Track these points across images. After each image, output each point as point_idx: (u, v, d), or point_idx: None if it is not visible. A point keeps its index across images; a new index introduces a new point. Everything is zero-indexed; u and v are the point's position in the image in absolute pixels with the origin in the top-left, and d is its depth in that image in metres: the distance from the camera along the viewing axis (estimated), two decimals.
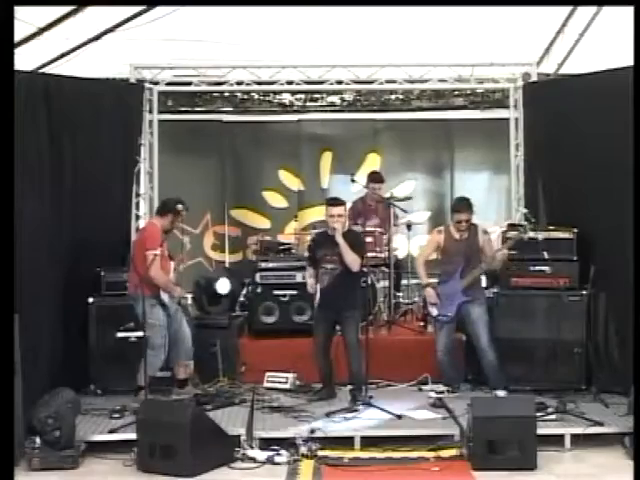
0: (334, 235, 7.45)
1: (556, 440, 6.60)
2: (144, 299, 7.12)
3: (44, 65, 8.75)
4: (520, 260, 7.88)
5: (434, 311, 7.79)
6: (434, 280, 7.87)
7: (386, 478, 6.11)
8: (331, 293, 7.48)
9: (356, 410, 7.18)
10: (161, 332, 7.36)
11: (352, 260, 7.40)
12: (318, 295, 7.68)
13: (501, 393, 7.33)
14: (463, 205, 7.77)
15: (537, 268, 7.78)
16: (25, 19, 7.65)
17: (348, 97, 11.13)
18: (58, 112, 7.83)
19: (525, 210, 8.17)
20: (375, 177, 9.76)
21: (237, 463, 6.36)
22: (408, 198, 9.83)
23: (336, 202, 7.64)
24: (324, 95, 11.05)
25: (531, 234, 7.56)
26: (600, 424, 6.70)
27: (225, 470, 6.26)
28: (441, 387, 7.68)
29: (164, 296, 7.38)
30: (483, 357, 7.63)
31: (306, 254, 8.07)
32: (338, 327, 7.63)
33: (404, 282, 9.82)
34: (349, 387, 7.57)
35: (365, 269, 7.95)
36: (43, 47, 8.47)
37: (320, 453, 6.45)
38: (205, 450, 6.18)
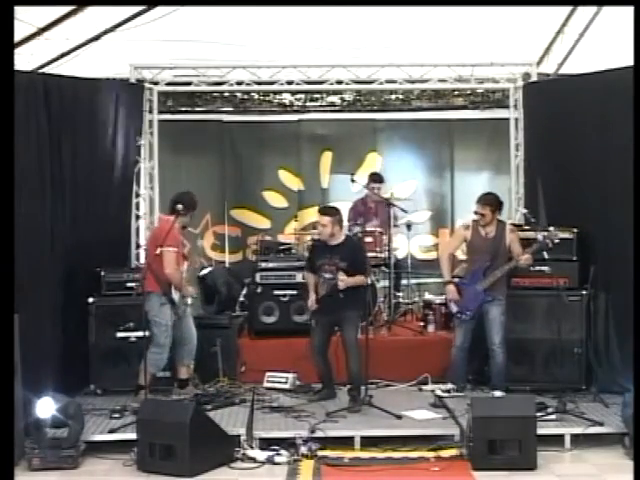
0: (331, 244, 7.47)
1: (556, 440, 6.60)
2: (149, 296, 7.17)
3: (44, 65, 8.75)
4: None
5: (454, 308, 7.75)
6: (455, 279, 7.84)
7: (386, 478, 6.11)
8: (329, 300, 7.46)
9: (357, 411, 7.18)
10: (167, 332, 7.35)
11: (363, 283, 7.42)
12: (312, 297, 7.64)
13: (498, 393, 7.32)
14: (480, 197, 7.74)
15: (537, 268, 7.76)
16: (25, 19, 7.65)
17: (348, 97, 11.14)
18: (58, 112, 7.83)
19: (525, 210, 8.16)
20: (375, 177, 9.78)
21: (237, 463, 6.37)
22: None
23: (324, 212, 7.62)
24: (324, 95, 11.06)
25: (552, 237, 7.42)
26: (600, 424, 6.70)
27: (225, 470, 6.26)
28: (448, 385, 7.67)
29: (175, 295, 7.37)
30: (493, 357, 7.62)
31: (305, 258, 8.09)
32: (337, 327, 7.61)
33: (404, 282, 9.82)
34: (347, 387, 7.55)
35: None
36: (43, 47, 8.47)
37: (320, 453, 6.45)
38: (205, 450, 6.18)
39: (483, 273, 7.61)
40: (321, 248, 7.64)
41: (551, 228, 7.55)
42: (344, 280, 7.35)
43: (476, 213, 7.69)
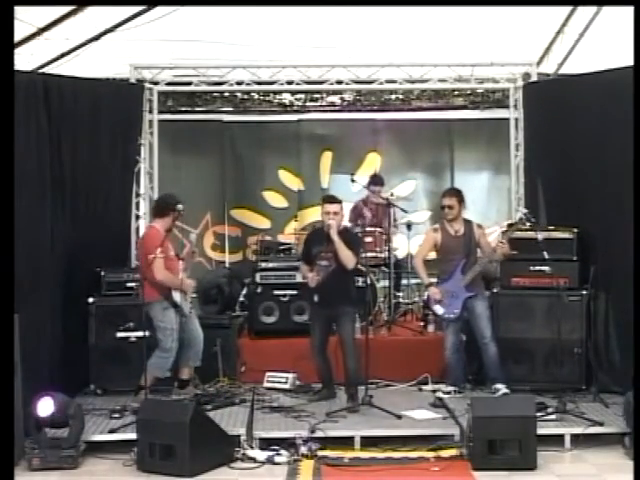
0: (329, 232, 7.43)
1: (556, 440, 6.60)
2: (151, 305, 7.19)
3: (44, 65, 8.76)
4: (520, 260, 7.88)
5: (439, 310, 7.77)
6: (434, 280, 7.86)
7: (386, 478, 6.11)
8: (326, 290, 7.41)
9: (355, 410, 7.17)
10: (173, 336, 7.34)
11: (346, 257, 7.33)
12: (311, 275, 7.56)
13: (501, 386, 7.33)
14: (446, 191, 7.96)
15: (537, 268, 7.77)
16: (25, 19, 7.66)
17: (348, 97, 11.14)
18: (58, 112, 7.83)
19: (525, 210, 8.16)
20: (376, 180, 9.78)
21: (237, 463, 6.37)
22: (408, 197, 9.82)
23: (332, 200, 7.60)
24: (324, 95, 11.06)
25: (529, 228, 7.53)
26: (600, 424, 6.70)
27: (225, 470, 6.26)
28: (449, 387, 7.67)
29: (176, 296, 7.35)
30: (485, 351, 7.62)
31: (302, 249, 8.04)
32: (334, 325, 7.59)
33: (404, 282, 9.82)
34: (345, 386, 7.54)
35: (363, 268, 7.92)
36: (43, 47, 8.47)
37: (320, 453, 6.45)
38: (205, 450, 6.18)
39: (462, 270, 7.64)
40: (318, 238, 7.61)
41: (521, 217, 7.67)
42: (334, 227, 7.30)
43: (443, 207, 7.76)
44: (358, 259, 7.47)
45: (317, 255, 7.52)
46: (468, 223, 7.81)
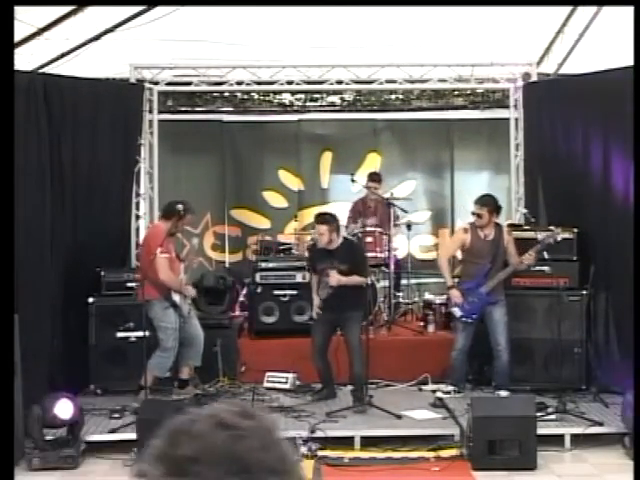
0: (332, 249, 7.42)
1: (556, 440, 6.60)
2: (150, 303, 7.19)
3: (44, 65, 8.75)
4: None
5: (458, 312, 7.71)
6: (456, 280, 7.81)
7: (386, 478, 6.12)
8: (334, 301, 7.43)
9: (361, 411, 7.17)
10: (173, 335, 7.36)
11: (360, 282, 7.40)
12: (316, 302, 7.64)
13: (503, 393, 7.33)
14: (478, 198, 7.77)
15: (537, 268, 7.77)
16: (25, 19, 7.65)
17: (348, 97, 11.13)
18: (58, 112, 7.84)
19: (525, 210, 8.16)
20: (374, 177, 9.78)
21: None
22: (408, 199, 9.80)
23: (321, 220, 7.54)
24: (324, 95, 11.05)
25: (555, 235, 7.48)
26: (600, 424, 6.71)
27: None
28: (449, 387, 7.67)
29: (175, 297, 7.37)
30: (498, 358, 7.60)
31: (307, 261, 8.13)
32: (338, 329, 7.60)
33: (404, 282, 9.82)
34: (350, 388, 7.55)
35: None
36: (43, 47, 8.46)
37: (320, 453, 6.46)
38: None
39: (485, 275, 7.60)
40: (321, 252, 7.61)
41: (552, 227, 7.54)
42: (336, 278, 7.31)
43: (473, 214, 7.69)
44: (368, 272, 7.47)
45: (322, 271, 7.52)
46: (499, 228, 7.71)
